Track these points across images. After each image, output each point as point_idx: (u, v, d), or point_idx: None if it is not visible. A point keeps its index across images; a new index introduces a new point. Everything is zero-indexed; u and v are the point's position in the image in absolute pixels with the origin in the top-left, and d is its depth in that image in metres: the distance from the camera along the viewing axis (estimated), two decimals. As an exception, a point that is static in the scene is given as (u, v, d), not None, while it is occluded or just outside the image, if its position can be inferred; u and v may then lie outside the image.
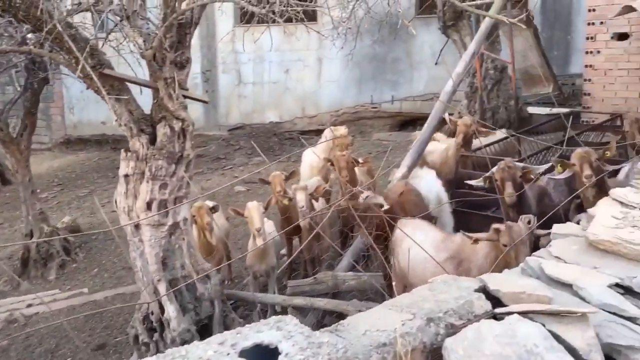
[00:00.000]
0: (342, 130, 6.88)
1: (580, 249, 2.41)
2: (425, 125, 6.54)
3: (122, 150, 4.74)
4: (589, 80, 8.61)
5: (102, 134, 15.41)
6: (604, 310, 1.96)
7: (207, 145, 15.48)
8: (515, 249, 3.19)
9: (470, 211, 5.85)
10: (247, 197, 10.75)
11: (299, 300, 5.15)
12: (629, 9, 4.70)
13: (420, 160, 6.63)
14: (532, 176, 4.30)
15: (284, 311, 5.68)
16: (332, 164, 6.13)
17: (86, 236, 9.17)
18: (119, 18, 4.75)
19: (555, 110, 10.77)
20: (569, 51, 12.05)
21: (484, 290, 2.02)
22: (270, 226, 5.87)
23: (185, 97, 4.81)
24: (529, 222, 3.47)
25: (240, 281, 6.71)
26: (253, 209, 5.03)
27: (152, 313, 4.71)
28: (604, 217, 2.46)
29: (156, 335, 4.69)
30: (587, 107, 8.79)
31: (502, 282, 2.03)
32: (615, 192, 3.04)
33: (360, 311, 4.97)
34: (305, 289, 5.28)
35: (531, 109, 11.21)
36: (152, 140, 4.71)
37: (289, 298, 5.23)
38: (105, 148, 15.31)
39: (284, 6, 3.71)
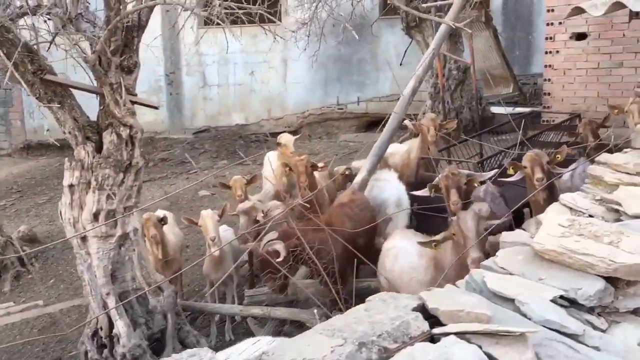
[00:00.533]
0: (284, 138, 6.71)
1: (526, 259, 2.32)
2: (386, 127, 6.46)
3: (66, 159, 4.55)
4: (549, 80, 8.65)
5: (64, 138, 14.98)
6: (545, 327, 1.88)
7: (172, 148, 15.21)
8: (464, 238, 3.22)
9: (432, 214, 5.78)
10: (211, 202, 10.54)
11: (256, 310, 5.01)
12: (579, 10, 4.68)
13: (381, 163, 6.55)
14: (476, 184, 4.24)
15: (243, 321, 5.54)
16: (291, 169, 6.01)
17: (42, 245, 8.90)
18: (62, 22, 4.55)
19: (518, 110, 10.85)
20: (531, 51, 12.14)
21: (422, 308, 1.92)
22: (230, 234, 5.71)
23: (133, 102, 4.64)
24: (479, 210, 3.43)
25: (200, 290, 6.54)
26: (207, 217, 4.87)
27: (102, 328, 4.52)
28: (551, 225, 2.38)
29: (106, 352, 4.51)
30: (547, 106, 8.83)
31: (443, 299, 1.93)
32: (564, 197, 2.98)
33: (320, 320, 4.88)
34: (263, 298, 5.15)
35: (494, 109, 11.26)
36: (99, 149, 4.54)
37: (246, 308, 5.09)
38: (67, 153, 14.81)
39: (230, 8, 3.58)
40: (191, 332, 4.92)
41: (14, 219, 10.79)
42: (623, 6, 4.25)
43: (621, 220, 2.69)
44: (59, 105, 4.40)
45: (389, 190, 5.95)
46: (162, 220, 5.31)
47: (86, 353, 4.63)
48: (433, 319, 1.88)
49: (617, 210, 2.73)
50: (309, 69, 14.40)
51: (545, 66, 8.72)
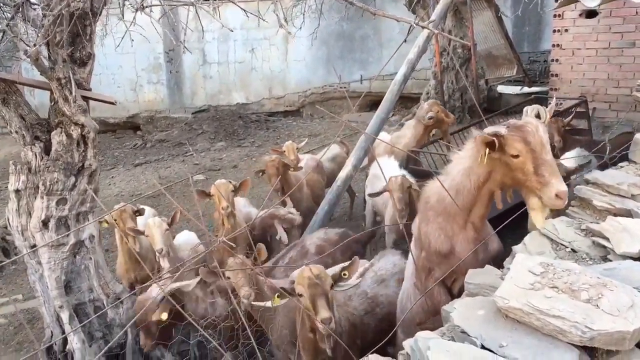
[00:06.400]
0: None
1: (487, 316, 1.90)
2: (373, 118, 6.01)
3: (11, 161, 4.18)
4: (557, 60, 8.08)
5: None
6: None
7: (171, 129, 14.86)
8: (311, 296, 2.67)
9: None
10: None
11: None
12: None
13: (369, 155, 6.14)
14: None
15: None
16: (263, 172, 5.69)
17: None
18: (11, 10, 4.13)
19: (526, 89, 10.29)
20: (541, 27, 11.47)
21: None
22: (193, 239, 5.29)
23: (86, 98, 4.24)
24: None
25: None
26: (154, 227, 4.30)
27: (56, 343, 4.20)
28: (520, 272, 1.96)
29: (61, 368, 4.21)
30: (555, 88, 8.27)
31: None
32: (545, 224, 2.54)
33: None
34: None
35: (501, 88, 10.71)
36: (50, 150, 4.15)
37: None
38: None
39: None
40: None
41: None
42: (621, -4, 3.74)
43: (609, 260, 2.26)
44: (1, 102, 4.01)
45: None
46: (138, 212, 4.87)
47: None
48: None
49: (604, 246, 2.30)
50: (311, 46, 13.90)
51: (553, 45, 8.13)
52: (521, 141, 2.43)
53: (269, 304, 2.92)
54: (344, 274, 2.85)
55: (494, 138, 2.44)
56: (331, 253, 3.98)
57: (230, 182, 4.92)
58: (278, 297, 2.84)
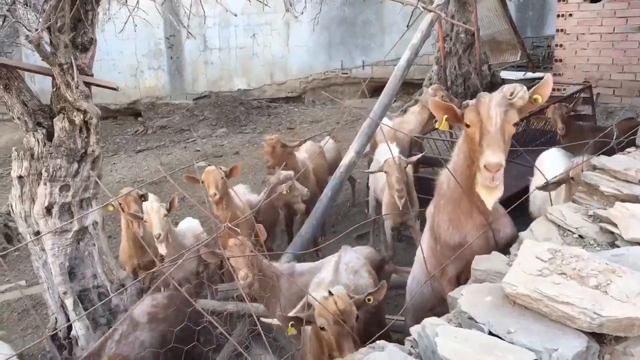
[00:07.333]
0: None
1: (495, 302, 1.90)
2: (377, 104, 5.97)
3: (14, 148, 4.17)
4: (561, 45, 8.03)
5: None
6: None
7: (172, 115, 14.81)
8: (336, 333, 2.49)
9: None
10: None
11: (230, 306, 4.67)
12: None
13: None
14: None
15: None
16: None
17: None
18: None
19: (530, 75, 10.23)
20: (545, 11, 11.38)
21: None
22: (197, 225, 5.28)
23: (88, 84, 4.21)
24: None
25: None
26: (152, 212, 4.29)
27: (60, 330, 4.22)
28: (528, 258, 1.95)
29: (65, 354, 4.22)
30: (558, 74, 8.22)
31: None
32: (552, 210, 2.53)
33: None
34: (239, 293, 4.78)
35: (504, 74, 10.64)
36: (52, 136, 4.14)
37: (221, 304, 4.75)
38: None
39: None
40: (159, 330, 4.60)
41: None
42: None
43: (616, 246, 2.25)
44: (4, 88, 3.99)
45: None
46: (143, 197, 4.85)
47: (45, 354, 4.35)
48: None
49: (612, 232, 2.29)
50: (312, 31, 13.80)
51: (557, 30, 8.08)
52: (473, 111, 2.46)
53: (275, 321, 2.82)
54: (368, 300, 2.72)
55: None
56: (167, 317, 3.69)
57: (220, 168, 4.88)
58: (292, 326, 2.66)
